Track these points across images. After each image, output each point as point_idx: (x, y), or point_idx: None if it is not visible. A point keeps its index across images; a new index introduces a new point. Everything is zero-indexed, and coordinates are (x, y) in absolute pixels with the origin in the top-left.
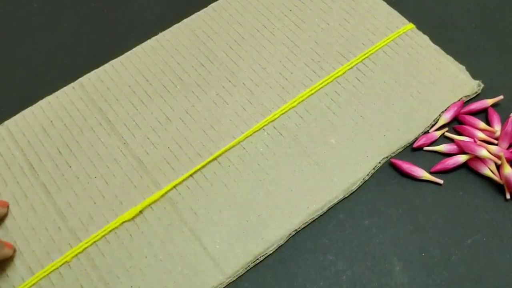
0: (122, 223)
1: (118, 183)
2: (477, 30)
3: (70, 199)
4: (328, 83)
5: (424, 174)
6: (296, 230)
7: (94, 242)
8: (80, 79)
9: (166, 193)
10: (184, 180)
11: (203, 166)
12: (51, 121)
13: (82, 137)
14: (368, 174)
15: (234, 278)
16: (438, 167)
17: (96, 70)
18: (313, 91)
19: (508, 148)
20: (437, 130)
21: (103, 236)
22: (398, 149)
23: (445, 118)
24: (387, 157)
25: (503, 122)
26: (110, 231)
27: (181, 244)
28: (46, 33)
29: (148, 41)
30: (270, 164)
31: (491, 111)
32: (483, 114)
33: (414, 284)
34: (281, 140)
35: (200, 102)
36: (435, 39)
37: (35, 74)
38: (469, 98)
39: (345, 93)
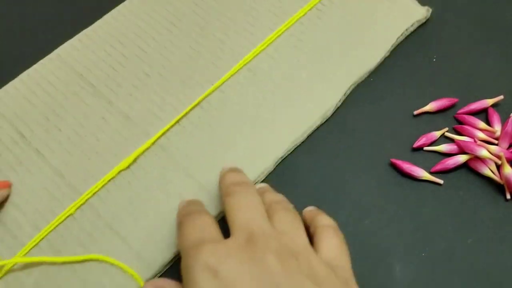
0: (119, 172)
1: (108, 138)
2: (477, 29)
3: (65, 159)
4: (291, 24)
5: (424, 174)
6: (282, 157)
7: (95, 193)
8: (56, 50)
9: (156, 140)
10: (171, 127)
11: (187, 113)
12: (34, 92)
13: (67, 102)
14: (340, 100)
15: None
16: (438, 167)
17: (70, 40)
18: (279, 33)
19: (508, 148)
20: (437, 130)
21: (103, 186)
22: (364, 75)
23: (431, 107)
24: (355, 83)
25: (503, 122)
26: (109, 181)
27: (178, 184)
28: (17, 7)
29: (117, 7)
30: (250, 102)
31: (491, 111)
32: (483, 114)
33: (414, 284)
34: (256, 80)
35: (175, 56)
36: (435, 38)
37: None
38: (421, 23)
39: (308, 31)
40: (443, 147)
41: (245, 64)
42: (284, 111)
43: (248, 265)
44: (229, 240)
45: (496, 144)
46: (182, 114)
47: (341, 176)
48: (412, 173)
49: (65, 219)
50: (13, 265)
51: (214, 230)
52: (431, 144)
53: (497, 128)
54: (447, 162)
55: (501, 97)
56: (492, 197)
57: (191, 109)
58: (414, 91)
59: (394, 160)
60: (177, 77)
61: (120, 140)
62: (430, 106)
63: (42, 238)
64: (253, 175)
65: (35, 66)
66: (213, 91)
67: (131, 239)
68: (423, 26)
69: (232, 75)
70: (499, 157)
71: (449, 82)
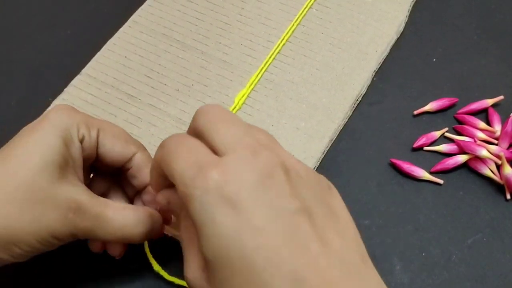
0: (238, 110)
1: (215, 83)
2: (477, 30)
3: (181, 107)
4: None
5: (424, 174)
6: (375, 70)
7: None
8: (131, 17)
9: (261, 76)
10: (269, 62)
11: (279, 48)
12: (125, 57)
13: (161, 60)
14: (406, 16)
15: (345, 120)
16: (438, 167)
17: (141, 7)
18: None
19: (508, 148)
20: (437, 130)
21: None
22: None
23: (431, 106)
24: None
25: (503, 122)
26: None
27: (294, 107)
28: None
29: None
30: (332, 27)
31: (491, 111)
32: (483, 114)
33: (414, 284)
34: (331, 7)
35: (247, 4)
36: (435, 38)
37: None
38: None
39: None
40: (443, 147)
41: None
42: (363, 30)
43: (263, 188)
44: (230, 158)
45: (496, 144)
46: (273, 50)
47: (341, 176)
48: (412, 173)
49: None
50: None
51: (206, 149)
52: (431, 144)
53: (497, 128)
54: (447, 162)
55: (501, 97)
56: (492, 197)
57: (282, 46)
58: (414, 91)
59: (394, 160)
60: (255, 21)
61: (226, 83)
62: (430, 106)
63: None
64: (358, 89)
65: (116, 35)
66: (294, 27)
67: None
68: (423, 26)
69: (307, 10)
70: (499, 157)
71: (449, 82)
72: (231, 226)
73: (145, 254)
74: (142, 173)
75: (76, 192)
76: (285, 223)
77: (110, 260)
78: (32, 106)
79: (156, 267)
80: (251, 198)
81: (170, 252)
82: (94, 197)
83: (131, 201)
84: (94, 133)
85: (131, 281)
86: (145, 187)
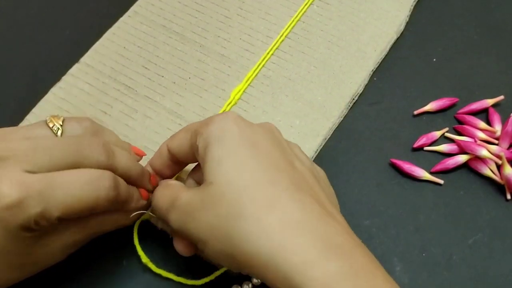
0: (233, 105)
1: (212, 77)
2: (477, 29)
3: (177, 100)
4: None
5: (424, 174)
6: (373, 70)
7: None
8: (132, 7)
9: (258, 72)
10: (267, 58)
11: (277, 44)
12: (124, 47)
13: (159, 51)
14: (407, 16)
15: (341, 119)
16: (439, 167)
17: None
18: None
19: (508, 148)
20: (437, 130)
21: None
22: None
23: (431, 106)
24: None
25: (504, 122)
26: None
27: (290, 104)
28: None
29: None
30: (332, 24)
31: (492, 111)
32: (483, 114)
33: (414, 284)
34: (332, 4)
35: None
36: (435, 38)
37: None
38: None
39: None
40: (443, 147)
41: None
42: (363, 29)
43: (277, 143)
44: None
45: (497, 144)
46: (272, 46)
47: (341, 176)
48: (413, 173)
49: None
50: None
51: None
52: (431, 144)
53: (498, 128)
54: (447, 162)
55: (502, 97)
56: (492, 197)
57: (281, 42)
58: (414, 91)
59: (394, 160)
60: (256, 16)
61: (223, 77)
62: (431, 106)
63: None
64: (354, 89)
65: (116, 24)
66: (294, 22)
67: None
68: (423, 26)
69: (307, 6)
70: (499, 157)
71: (449, 82)
72: (250, 158)
73: (134, 247)
74: None
75: None
76: (292, 171)
77: (98, 254)
78: (32, 103)
79: (145, 259)
80: (267, 144)
81: (159, 245)
82: None
83: None
84: (54, 213)
85: (119, 274)
86: None
